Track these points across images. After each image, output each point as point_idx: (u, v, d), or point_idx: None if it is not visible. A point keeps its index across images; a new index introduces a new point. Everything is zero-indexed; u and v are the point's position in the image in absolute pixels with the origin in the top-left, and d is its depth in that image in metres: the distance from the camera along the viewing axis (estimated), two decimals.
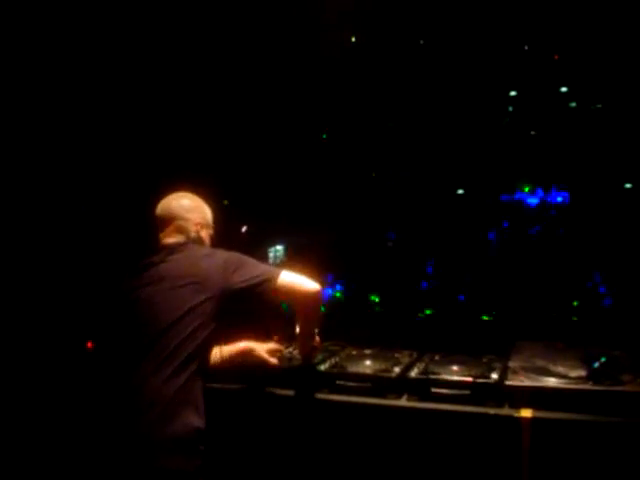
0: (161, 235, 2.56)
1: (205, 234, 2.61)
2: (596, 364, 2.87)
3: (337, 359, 3.21)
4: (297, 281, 2.48)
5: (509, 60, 4.21)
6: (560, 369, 2.88)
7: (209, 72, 4.49)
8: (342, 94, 4.50)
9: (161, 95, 4.44)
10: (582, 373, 2.84)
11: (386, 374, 2.98)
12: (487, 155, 4.28)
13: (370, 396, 2.92)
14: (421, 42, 4.40)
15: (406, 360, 3.16)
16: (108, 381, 2.37)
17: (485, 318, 4.12)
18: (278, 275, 2.43)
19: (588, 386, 2.73)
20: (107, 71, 4.33)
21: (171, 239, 2.53)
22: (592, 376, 2.79)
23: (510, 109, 4.25)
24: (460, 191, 4.37)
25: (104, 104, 4.35)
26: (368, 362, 3.12)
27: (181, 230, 2.53)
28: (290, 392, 2.98)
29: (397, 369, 3.02)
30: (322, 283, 2.52)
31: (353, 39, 4.52)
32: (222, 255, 2.46)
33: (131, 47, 4.32)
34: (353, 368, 3.06)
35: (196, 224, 2.56)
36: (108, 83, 4.35)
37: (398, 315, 4.34)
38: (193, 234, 2.54)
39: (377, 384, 2.94)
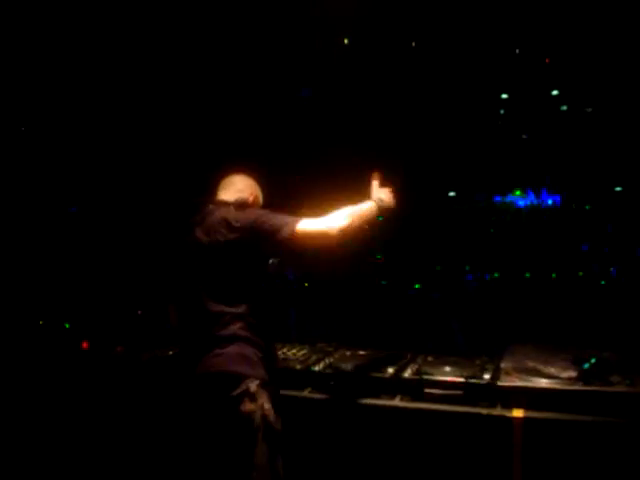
0: (219, 192, 2.80)
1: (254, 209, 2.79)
2: (586, 365, 2.91)
3: (331, 360, 3.23)
4: (315, 226, 2.49)
5: (500, 63, 4.24)
6: (551, 370, 2.92)
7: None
8: (333, 96, 4.52)
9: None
10: (572, 374, 2.88)
11: (380, 374, 3.00)
12: (478, 157, 4.31)
13: (363, 396, 2.94)
14: (413, 44, 4.42)
15: (399, 361, 3.19)
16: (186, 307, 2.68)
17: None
18: (296, 222, 2.49)
19: (578, 387, 2.77)
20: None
21: (226, 195, 2.76)
22: (582, 377, 2.83)
23: (501, 112, 4.27)
24: (452, 193, 4.40)
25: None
26: (362, 362, 3.15)
27: (238, 194, 2.75)
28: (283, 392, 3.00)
29: (391, 369, 3.04)
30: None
31: (346, 41, 4.53)
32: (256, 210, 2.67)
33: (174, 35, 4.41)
34: (347, 369, 3.09)
35: (251, 195, 2.78)
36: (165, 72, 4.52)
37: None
38: (245, 201, 2.73)
39: (370, 384, 2.96)
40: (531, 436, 2.68)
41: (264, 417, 2.43)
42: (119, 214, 4.68)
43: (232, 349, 2.49)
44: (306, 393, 3.04)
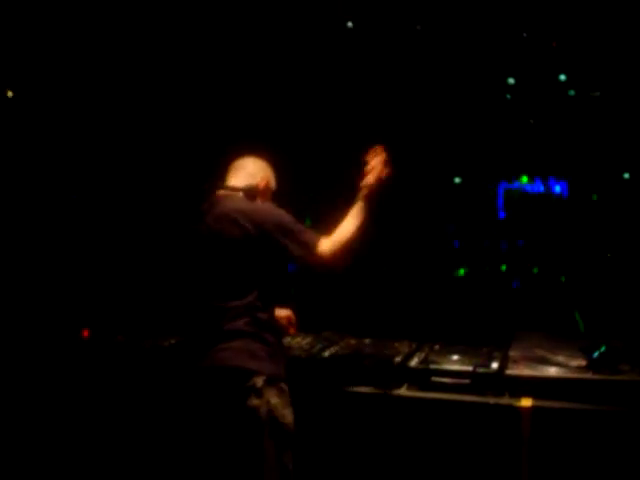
0: (229, 179, 2.71)
1: (265, 192, 2.70)
2: (596, 354, 2.87)
3: (337, 349, 3.20)
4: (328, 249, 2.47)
5: (507, 47, 4.19)
6: (560, 358, 2.90)
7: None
8: (341, 81, 4.48)
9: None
10: (582, 362, 2.85)
11: (386, 363, 2.97)
12: (485, 143, 4.26)
13: (370, 385, 2.91)
14: (418, 28, 4.37)
15: (406, 350, 3.16)
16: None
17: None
18: (315, 244, 2.46)
19: (588, 375, 2.75)
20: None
21: (236, 180, 2.67)
22: (592, 365, 2.81)
23: (508, 97, 4.23)
24: (457, 179, 4.36)
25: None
26: (368, 352, 3.12)
27: (249, 177, 2.67)
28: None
29: (397, 358, 3.01)
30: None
31: (350, 24, 4.48)
32: (275, 210, 2.58)
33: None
34: (353, 358, 3.06)
35: (262, 179, 2.69)
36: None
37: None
38: (256, 187, 2.65)
39: (377, 373, 2.93)
40: (539, 425, 2.65)
41: (270, 412, 2.39)
42: (123, 200, 4.65)
43: (238, 344, 2.45)
44: (311, 382, 3.00)
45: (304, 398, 2.92)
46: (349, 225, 2.52)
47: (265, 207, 2.59)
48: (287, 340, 3.26)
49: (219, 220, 2.53)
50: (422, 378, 2.87)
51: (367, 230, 2.54)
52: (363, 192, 2.60)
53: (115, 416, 3.28)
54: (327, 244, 2.45)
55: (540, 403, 2.68)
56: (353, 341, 3.34)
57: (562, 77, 4.11)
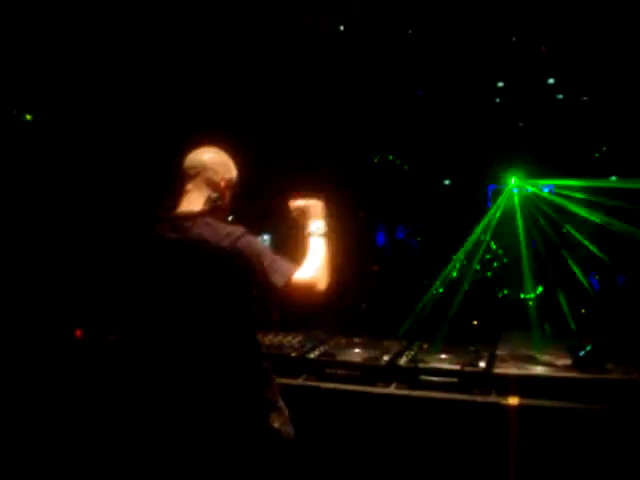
0: (188, 187, 2.44)
1: (228, 192, 2.48)
2: (582, 353, 2.91)
3: (326, 347, 3.23)
4: (306, 277, 2.26)
5: (497, 51, 4.22)
6: (546, 357, 2.93)
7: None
8: (328, 84, 4.49)
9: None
10: (568, 361, 2.89)
11: (375, 362, 3.00)
12: (474, 146, 4.30)
13: (359, 384, 2.94)
14: (409, 32, 4.40)
15: (395, 348, 3.19)
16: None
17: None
18: (293, 274, 2.25)
19: (574, 374, 2.79)
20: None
21: (192, 205, 2.40)
22: (578, 364, 2.85)
23: (497, 100, 4.26)
24: (447, 181, 4.39)
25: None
26: (357, 350, 3.15)
27: (209, 182, 2.43)
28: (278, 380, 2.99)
29: (386, 357, 3.04)
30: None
31: (341, 27, 4.51)
32: (244, 238, 2.31)
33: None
34: (342, 356, 3.09)
35: (223, 180, 2.46)
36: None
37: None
38: (218, 190, 2.43)
39: (366, 372, 2.96)
40: (526, 423, 2.68)
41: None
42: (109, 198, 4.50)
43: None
44: (301, 381, 3.03)
45: (294, 397, 2.96)
46: (317, 256, 2.33)
47: (236, 234, 2.30)
48: (278, 339, 3.29)
49: (189, 251, 2.29)
50: (411, 377, 2.91)
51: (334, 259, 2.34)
52: (323, 235, 2.39)
53: (108, 414, 3.29)
54: (303, 275, 2.25)
55: (527, 401, 2.71)
56: (343, 340, 3.37)
57: (551, 81, 4.15)
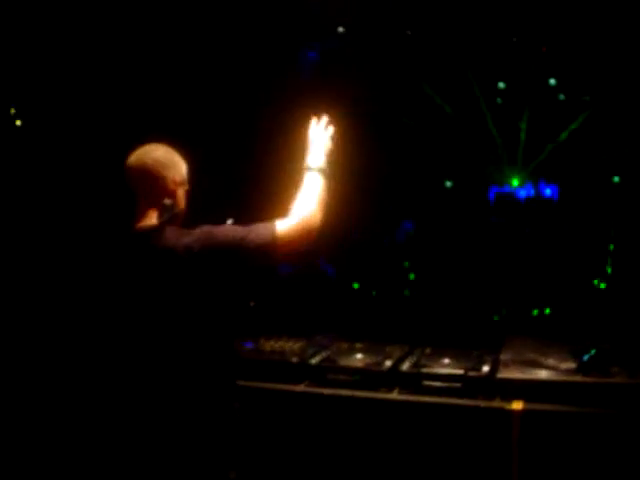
0: (138, 197, 2.22)
1: (182, 192, 2.28)
2: (586, 357, 2.89)
3: (328, 352, 3.21)
4: (294, 223, 2.11)
5: (497, 52, 4.20)
6: (550, 362, 2.91)
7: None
8: (328, 86, 4.47)
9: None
10: (572, 365, 2.87)
11: (378, 367, 2.98)
12: (476, 147, 4.28)
13: (362, 389, 2.92)
14: (408, 33, 4.38)
15: (398, 353, 3.17)
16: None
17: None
18: (275, 225, 2.08)
19: (578, 378, 2.77)
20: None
21: (147, 218, 2.20)
22: (582, 368, 2.83)
23: (499, 101, 4.24)
24: (448, 183, 4.36)
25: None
26: (359, 355, 3.13)
27: (158, 192, 2.19)
28: (279, 386, 2.98)
29: (388, 362, 3.02)
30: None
31: (341, 29, 4.48)
32: (205, 235, 2.12)
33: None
34: (344, 362, 3.07)
35: (174, 182, 2.23)
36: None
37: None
38: (170, 194, 2.21)
39: (369, 377, 2.94)
40: (530, 428, 2.67)
41: None
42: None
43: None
44: (303, 387, 3.01)
45: (295, 403, 2.94)
46: (307, 197, 2.17)
47: (197, 233, 2.11)
48: (279, 344, 3.27)
49: (153, 268, 2.10)
50: (414, 382, 2.89)
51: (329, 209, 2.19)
52: (314, 169, 2.25)
53: (108, 430, 3.25)
54: (287, 222, 2.10)
55: (531, 406, 2.70)
56: (345, 345, 3.35)
57: (552, 81, 4.13)
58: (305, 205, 2.16)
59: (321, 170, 2.26)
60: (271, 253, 2.09)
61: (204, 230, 2.12)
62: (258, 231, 2.09)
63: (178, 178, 2.24)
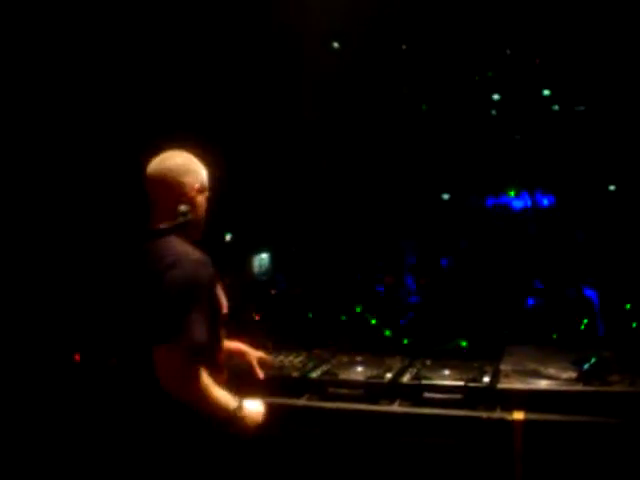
0: (155, 200, 2.25)
1: (202, 199, 2.28)
2: (586, 365, 2.89)
3: (328, 366, 3.20)
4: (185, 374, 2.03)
5: (492, 64, 4.24)
6: (551, 371, 2.91)
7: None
8: (324, 98, 4.50)
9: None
10: (572, 375, 2.86)
11: (378, 380, 2.97)
12: (471, 159, 4.30)
13: (363, 402, 2.91)
14: (404, 47, 4.42)
15: (398, 366, 3.16)
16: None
17: None
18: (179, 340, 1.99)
19: (579, 387, 2.76)
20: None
21: (158, 221, 2.22)
22: (582, 377, 2.82)
23: (493, 113, 4.27)
24: (445, 196, 4.39)
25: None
26: (360, 368, 3.12)
27: (175, 198, 2.20)
28: (280, 400, 2.96)
29: (389, 375, 3.02)
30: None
31: (336, 45, 4.53)
32: (184, 280, 2.07)
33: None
34: (345, 375, 3.06)
35: (194, 189, 2.24)
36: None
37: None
38: (188, 201, 2.22)
39: (369, 390, 2.94)
40: (532, 438, 2.66)
41: None
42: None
43: None
44: (304, 401, 3.00)
45: (296, 417, 2.93)
46: (215, 398, 2.11)
47: (170, 267, 2.07)
48: (279, 359, 3.26)
49: (142, 275, 2.14)
50: (414, 394, 2.88)
51: None
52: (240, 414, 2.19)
53: (107, 440, 3.25)
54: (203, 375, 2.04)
55: (532, 416, 2.69)
56: (345, 358, 3.35)
57: (546, 92, 4.16)
58: (214, 386, 2.11)
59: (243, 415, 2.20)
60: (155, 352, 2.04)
61: (181, 278, 2.06)
62: (170, 322, 2.02)
63: (198, 185, 2.25)
